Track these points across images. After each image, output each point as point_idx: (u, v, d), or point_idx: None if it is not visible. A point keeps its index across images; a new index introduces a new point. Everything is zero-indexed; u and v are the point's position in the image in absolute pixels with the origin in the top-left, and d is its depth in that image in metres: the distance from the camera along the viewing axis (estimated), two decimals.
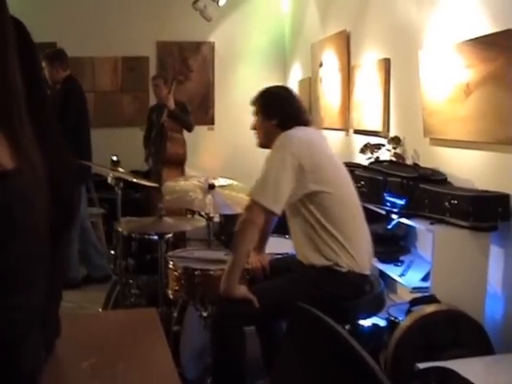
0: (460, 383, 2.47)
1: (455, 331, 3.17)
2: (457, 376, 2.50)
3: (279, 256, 3.38)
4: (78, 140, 5.08)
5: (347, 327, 2.95)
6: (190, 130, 6.36)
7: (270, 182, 2.77)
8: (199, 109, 7.84)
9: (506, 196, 3.28)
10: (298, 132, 2.95)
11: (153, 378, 1.74)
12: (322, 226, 2.84)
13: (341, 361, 1.82)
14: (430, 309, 3.36)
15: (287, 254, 3.36)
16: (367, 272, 2.92)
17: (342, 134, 6.16)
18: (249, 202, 2.82)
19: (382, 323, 3.55)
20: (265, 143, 3.08)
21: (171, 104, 6.09)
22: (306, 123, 3.07)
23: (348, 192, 2.98)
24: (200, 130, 7.07)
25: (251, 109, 3.14)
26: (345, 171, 3.03)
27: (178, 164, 6.30)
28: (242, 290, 2.77)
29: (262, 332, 3.31)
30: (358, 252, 2.87)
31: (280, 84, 3.84)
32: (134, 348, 2.01)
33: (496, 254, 3.33)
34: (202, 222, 3.89)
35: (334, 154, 3.10)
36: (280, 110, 3.04)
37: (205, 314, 3.21)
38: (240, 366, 2.89)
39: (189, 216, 4.87)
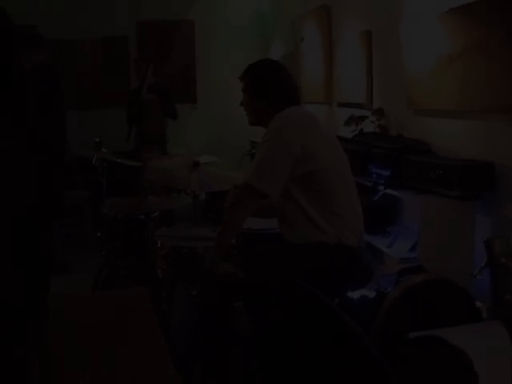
0: (449, 350, 2.50)
1: (443, 300, 3.19)
2: (445, 343, 2.53)
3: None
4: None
5: (336, 300, 2.96)
6: (174, 118, 6.38)
7: (266, 167, 2.69)
8: (181, 87, 7.78)
9: (491, 164, 3.28)
10: (292, 113, 2.81)
11: (145, 357, 1.74)
12: (315, 203, 2.77)
13: (333, 334, 1.84)
14: (418, 279, 3.37)
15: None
16: (356, 245, 2.88)
17: (325, 107, 6.14)
18: (243, 185, 2.72)
19: (371, 295, 3.57)
20: (256, 121, 2.92)
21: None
22: (298, 101, 2.91)
23: (341, 167, 2.89)
24: (183, 109, 7.01)
25: (234, 86, 3.01)
26: (338, 146, 2.91)
27: (159, 142, 6.28)
28: (225, 267, 2.72)
29: (252, 309, 3.29)
30: (349, 226, 2.83)
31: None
32: (126, 329, 2.02)
33: (481, 223, 3.35)
34: (188, 200, 3.87)
35: (326, 130, 2.97)
36: (270, 92, 2.85)
37: (194, 292, 3.19)
38: (229, 344, 2.86)
39: (174, 195, 4.85)
